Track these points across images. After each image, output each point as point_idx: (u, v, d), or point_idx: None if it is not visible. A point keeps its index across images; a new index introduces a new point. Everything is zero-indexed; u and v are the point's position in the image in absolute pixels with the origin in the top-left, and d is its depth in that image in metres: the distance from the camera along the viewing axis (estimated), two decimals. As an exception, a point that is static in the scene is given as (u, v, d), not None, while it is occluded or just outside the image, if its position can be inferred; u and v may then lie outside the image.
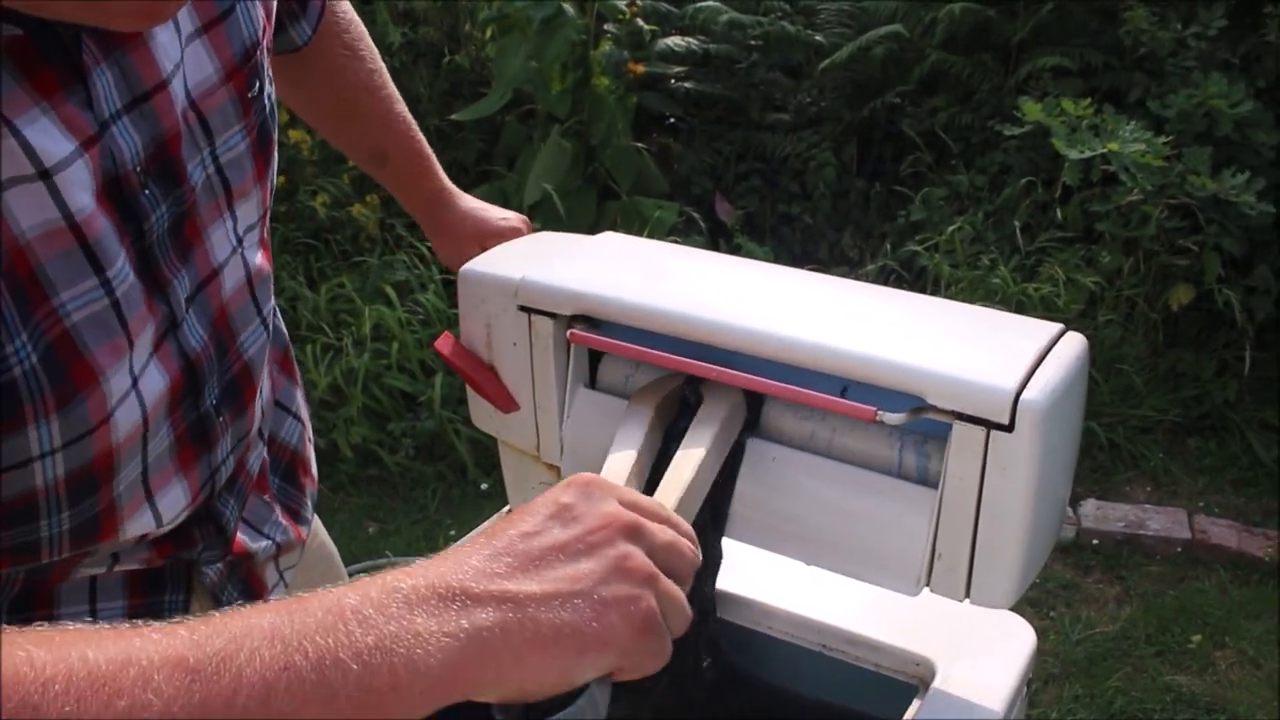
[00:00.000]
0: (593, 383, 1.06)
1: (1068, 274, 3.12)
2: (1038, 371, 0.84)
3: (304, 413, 1.12)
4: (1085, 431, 3.07)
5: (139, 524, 0.80)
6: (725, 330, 0.91)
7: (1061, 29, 3.65)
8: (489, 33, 3.76)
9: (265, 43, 0.85)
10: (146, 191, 0.73)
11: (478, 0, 3.76)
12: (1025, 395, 0.81)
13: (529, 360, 1.06)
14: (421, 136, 1.30)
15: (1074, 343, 0.90)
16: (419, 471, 3.07)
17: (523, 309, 1.04)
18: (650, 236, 3.20)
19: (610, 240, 1.11)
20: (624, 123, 3.46)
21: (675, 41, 3.75)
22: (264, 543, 0.99)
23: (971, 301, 3.10)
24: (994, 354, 0.85)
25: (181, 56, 0.75)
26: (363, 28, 1.23)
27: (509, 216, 1.32)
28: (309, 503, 1.11)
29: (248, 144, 0.83)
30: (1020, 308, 3.10)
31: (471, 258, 1.09)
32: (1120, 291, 3.16)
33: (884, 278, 3.37)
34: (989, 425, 0.81)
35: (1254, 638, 2.57)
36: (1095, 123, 3.07)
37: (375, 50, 1.24)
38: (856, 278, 3.34)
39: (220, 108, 0.79)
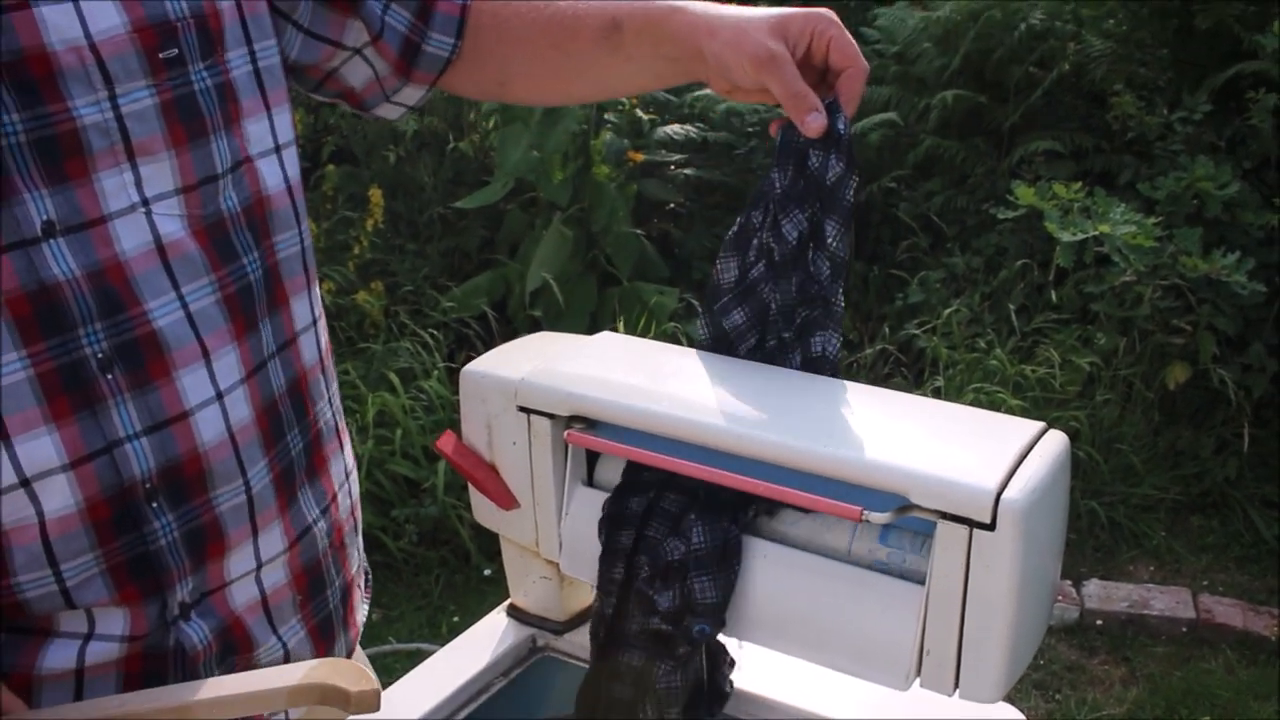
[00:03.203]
0: (590, 481, 1.09)
1: (1064, 355, 3.15)
2: (1019, 471, 0.86)
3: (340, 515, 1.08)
4: (1086, 511, 3.09)
5: None
6: (717, 433, 0.95)
7: (1052, 114, 3.73)
8: (491, 123, 3.84)
9: (208, 25, 0.89)
10: None
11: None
12: (1006, 495, 0.84)
13: (528, 459, 1.09)
14: None
15: (1055, 441, 0.93)
16: (422, 557, 3.08)
17: (522, 409, 1.07)
18: (651, 321, 3.24)
19: (607, 341, 1.14)
20: (624, 210, 3.52)
21: (674, 129, 3.83)
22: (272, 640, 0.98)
23: (970, 383, 3.14)
24: (976, 454, 0.88)
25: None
26: None
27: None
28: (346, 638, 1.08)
29: (156, 103, 0.86)
30: (1018, 389, 3.13)
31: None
32: (1117, 371, 3.19)
33: (883, 361, 3.40)
34: (971, 524, 0.84)
35: None
36: (1087, 205, 3.13)
37: None
38: (856, 361, 3.39)
39: (121, 56, 0.83)
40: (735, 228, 1.07)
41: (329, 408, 1.04)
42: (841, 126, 0.99)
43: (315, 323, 1.02)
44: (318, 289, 1.04)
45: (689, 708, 1.03)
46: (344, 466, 1.06)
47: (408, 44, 1.06)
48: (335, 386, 1.07)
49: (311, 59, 1.04)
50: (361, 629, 1.11)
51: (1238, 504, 3.20)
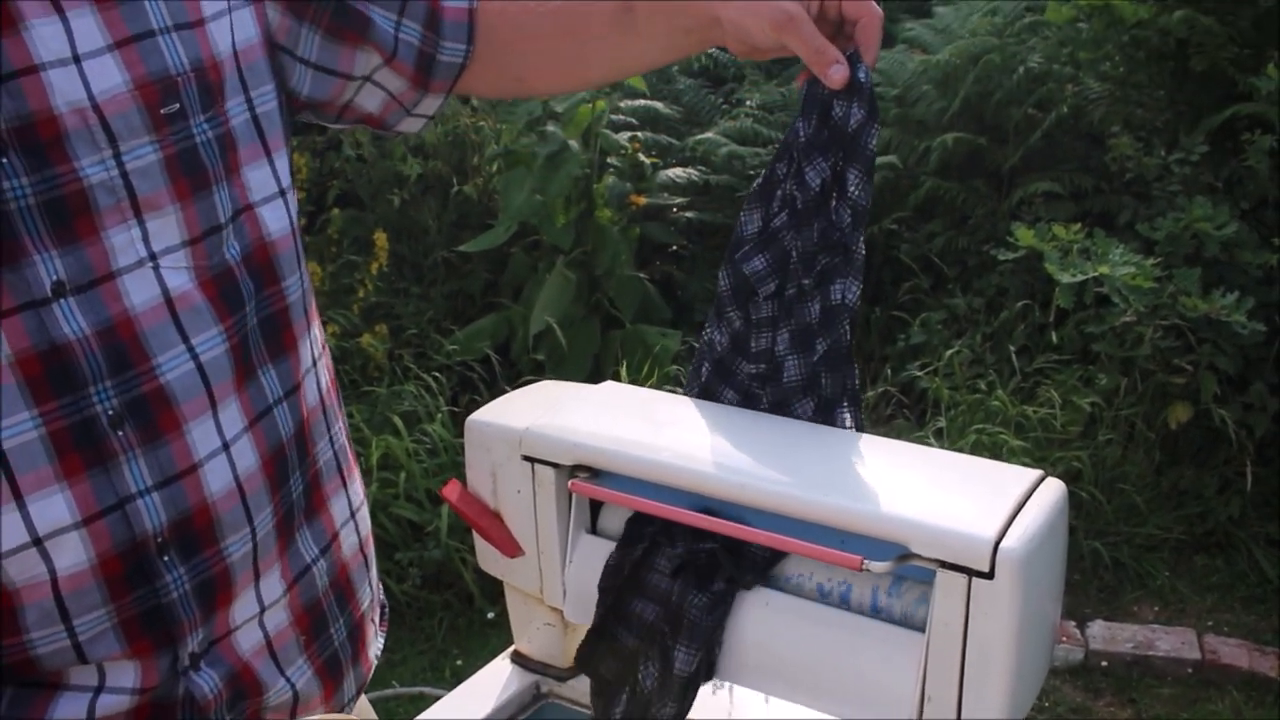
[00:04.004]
0: (594, 529, 1.10)
1: (1065, 396, 3.16)
2: (1016, 519, 0.88)
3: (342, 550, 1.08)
4: (1090, 551, 3.09)
5: (9, 536, 0.81)
6: (718, 483, 0.96)
7: (1051, 155, 3.76)
8: (495, 167, 3.88)
9: (208, 77, 0.90)
10: (4, 160, 0.79)
11: (485, 135, 3.89)
12: (1004, 544, 0.85)
13: (533, 507, 1.11)
14: None
15: (1052, 489, 0.94)
16: (426, 600, 3.08)
17: (526, 458, 1.09)
18: (654, 364, 3.26)
19: (611, 391, 1.16)
20: (627, 253, 3.55)
21: (676, 173, 3.86)
22: (280, 684, 0.98)
23: (972, 424, 3.15)
24: (974, 503, 0.90)
25: (75, 59, 0.82)
26: None
27: None
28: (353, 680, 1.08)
29: (160, 158, 0.87)
30: (1020, 430, 3.14)
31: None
32: (1119, 411, 3.20)
33: (885, 402, 3.41)
34: (970, 573, 0.85)
35: (1269, 762, 2.55)
36: (1086, 246, 3.15)
37: None
38: (857, 402, 3.40)
39: (124, 114, 0.85)
40: (760, 180, 1.09)
41: (330, 446, 1.04)
42: (863, 75, 1.01)
43: (316, 363, 1.03)
44: (318, 329, 1.05)
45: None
46: (348, 503, 1.07)
47: (422, 56, 1.06)
48: (340, 424, 1.07)
49: (324, 94, 1.05)
50: (376, 661, 1.12)
51: (1242, 543, 3.20)
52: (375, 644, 1.11)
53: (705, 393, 1.12)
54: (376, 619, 1.13)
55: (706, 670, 0.99)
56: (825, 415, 1.07)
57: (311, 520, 1.02)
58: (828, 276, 1.05)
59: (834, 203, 1.03)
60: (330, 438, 1.05)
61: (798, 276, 1.05)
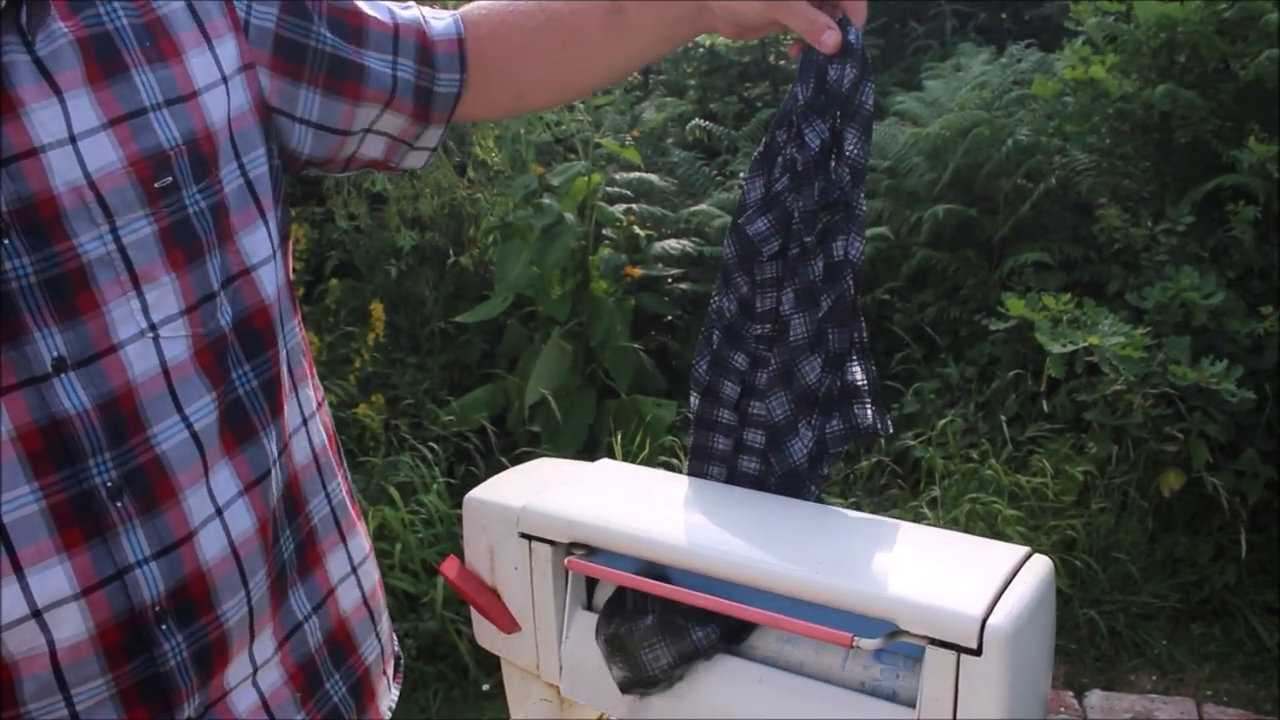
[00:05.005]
0: (590, 605, 1.12)
1: (1056, 465, 3.18)
2: (1003, 596, 0.89)
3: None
4: (1086, 620, 3.09)
5: (9, 608, 0.82)
6: (711, 560, 0.98)
7: (1040, 226, 3.80)
8: (491, 238, 3.92)
9: (201, 149, 0.92)
10: (6, 242, 0.82)
11: (481, 207, 3.94)
12: (992, 621, 0.87)
13: (529, 584, 1.12)
14: None
15: (1039, 566, 0.96)
16: (421, 672, 3.07)
17: (523, 536, 1.11)
18: (649, 435, 3.27)
19: (606, 469, 1.18)
20: (622, 324, 3.57)
21: (671, 244, 3.90)
22: None
23: (966, 493, 3.16)
24: (962, 580, 0.91)
25: (71, 139, 0.85)
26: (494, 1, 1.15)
27: None
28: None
29: (155, 230, 0.89)
30: (1013, 498, 3.15)
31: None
32: (1111, 479, 3.21)
33: (879, 472, 3.43)
34: (959, 649, 0.87)
35: (1270, 834, 2.53)
36: (1076, 316, 3.18)
37: None
38: (852, 473, 3.42)
39: (119, 190, 0.87)
40: (760, 148, 1.11)
41: (326, 503, 1.05)
42: (853, 38, 1.04)
43: (307, 422, 1.04)
44: (313, 389, 1.06)
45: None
46: (348, 558, 1.08)
47: (419, 90, 1.08)
48: (338, 479, 1.08)
49: (325, 151, 1.06)
50: (390, 714, 1.11)
51: (1239, 611, 3.19)
52: (387, 696, 1.12)
53: (716, 360, 1.14)
54: (389, 671, 1.13)
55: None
56: (834, 369, 1.09)
57: (305, 578, 1.03)
58: (829, 234, 1.07)
59: (833, 162, 1.06)
60: (326, 494, 1.06)
61: (800, 236, 1.07)
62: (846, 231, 1.07)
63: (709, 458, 1.15)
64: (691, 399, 1.15)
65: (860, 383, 1.10)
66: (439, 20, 1.10)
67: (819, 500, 1.10)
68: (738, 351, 1.13)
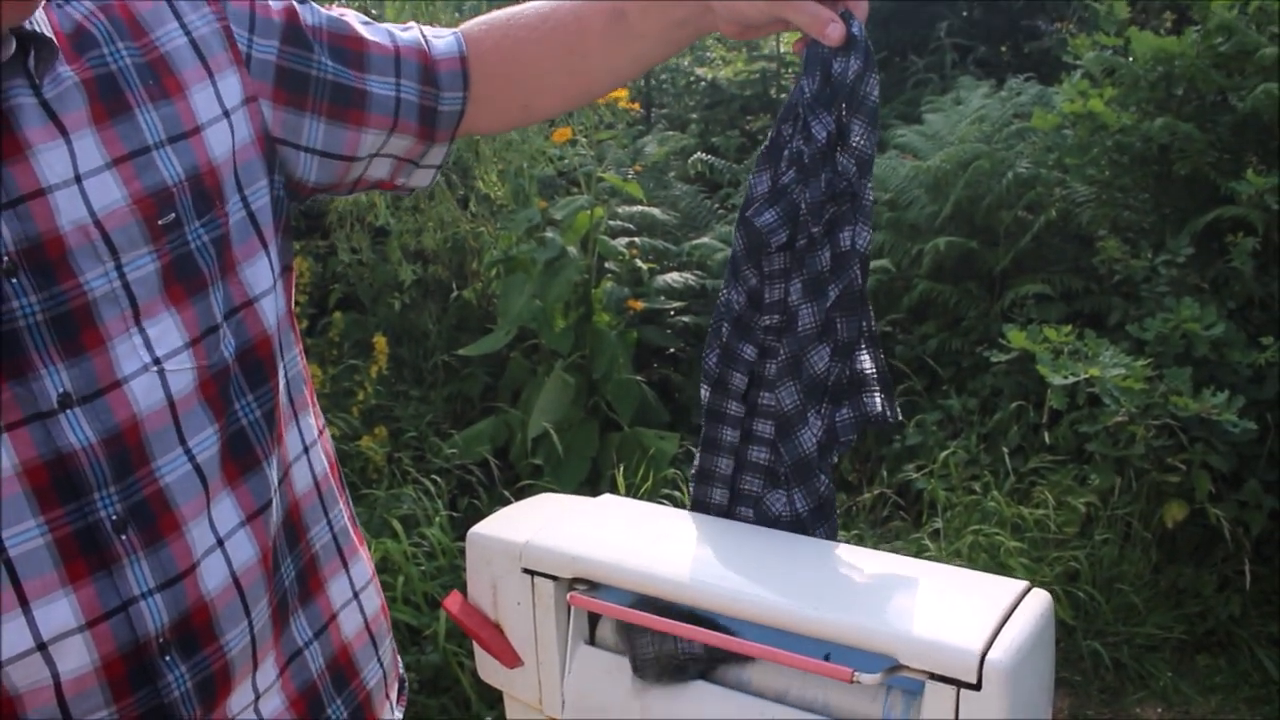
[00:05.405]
0: (592, 640, 1.12)
1: (1059, 496, 3.18)
2: (1003, 631, 0.90)
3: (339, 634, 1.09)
4: (1090, 652, 3.08)
5: (13, 642, 0.82)
6: (713, 595, 0.98)
7: (1041, 257, 3.82)
8: (494, 272, 3.94)
9: (204, 184, 0.93)
10: (14, 281, 0.83)
11: (484, 241, 3.96)
12: (991, 655, 0.87)
13: (532, 619, 1.13)
14: None
15: (1038, 600, 0.96)
16: (423, 705, 3.06)
17: (526, 571, 1.11)
18: (652, 467, 3.28)
19: (608, 504, 1.19)
20: (625, 357, 3.58)
21: (673, 278, 3.92)
22: None
23: (969, 525, 3.16)
24: (961, 615, 0.92)
25: (77, 179, 0.86)
26: (494, 14, 1.15)
27: None
28: None
29: (158, 267, 0.90)
30: (1016, 530, 3.15)
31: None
32: (1114, 510, 3.21)
33: (882, 504, 3.43)
34: (958, 684, 0.87)
35: None
36: (1077, 348, 3.19)
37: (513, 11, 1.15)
38: (855, 504, 3.42)
39: (124, 228, 0.88)
40: (766, 142, 1.12)
41: (328, 530, 1.06)
42: (856, 30, 1.05)
43: (308, 450, 1.04)
44: (310, 415, 1.06)
45: None
46: (350, 583, 1.08)
47: (423, 110, 1.08)
48: (340, 506, 1.09)
49: (331, 177, 1.06)
50: None
51: (1244, 643, 3.18)
52: (392, 718, 1.12)
53: (726, 352, 1.14)
54: (394, 695, 1.14)
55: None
56: (843, 358, 1.09)
57: (307, 604, 1.03)
58: (836, 225, 1.08)
59: (839, 154, 1.07)
60: (328, 521, 1.06)
61: (808, 227, 1.08)
62: (853, 222, 1.07)
63: (719, 449, 1.16)
64: (701, 391, 1.16)
65: (869, 371, 1.11)
66: (440, 39, 1.10)
67: (832, 487, 1.11)
68: (746, 343, 1.14)
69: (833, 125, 1.06)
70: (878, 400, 1.12)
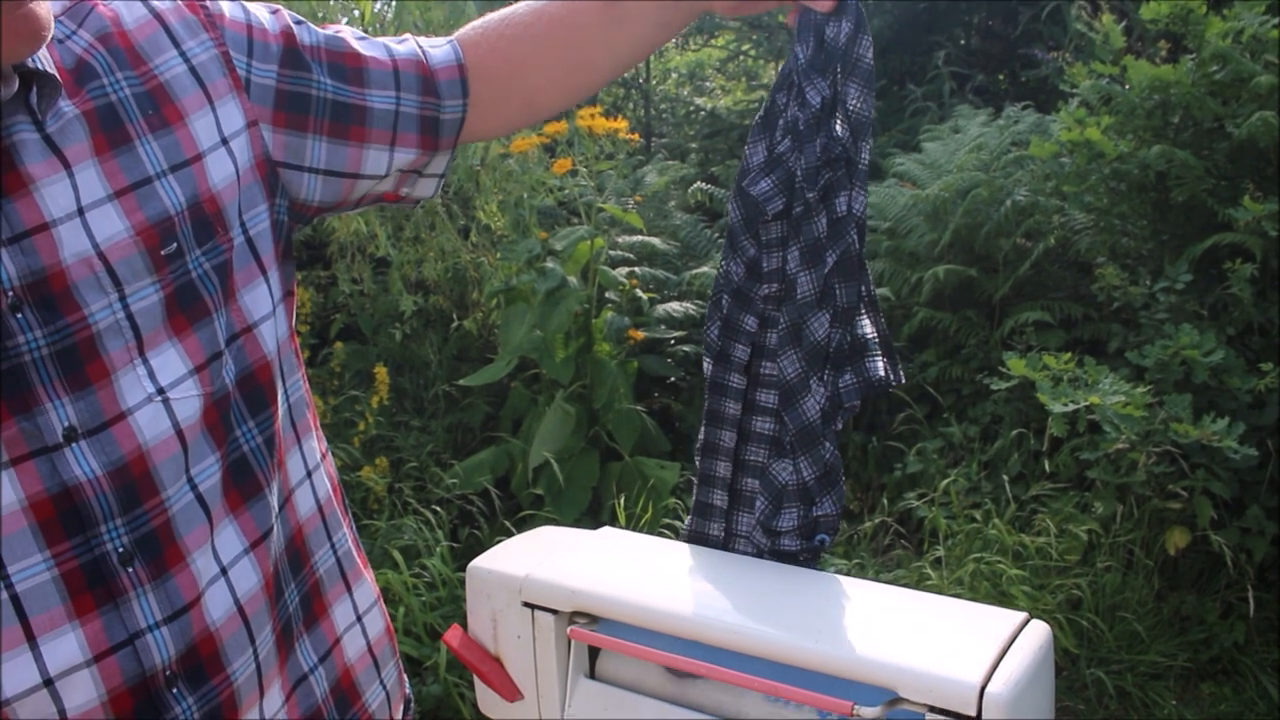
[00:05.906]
0: (592, 674, 1.12)
1: (1060, 523, 3.18)
2: (1002, 663, 0.90)
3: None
4: (1094, 680, 3.07)
5: (20, 678, 0.82)
6: (713, 629, 0.99)
7: (1040, 285, 3.83)
8: (495, 302, 3.95)
9: (204, 211, 0.93)
10: (19, 315, 0.83)
11: (485, 271, 3.97)
12: (990, 688, 0.87)
13: (532, 653, 1.13)
14: None
15: (1037, 632, 0.96)
16: (426, 738, 3.05)
17: (526, 605, 1.11)
18: (652, 497, 3.28)
19: (608, 537, 1.19)
20: (625, 386, 3.59)
21: (673, 307, 3.93)
22: None
23: (970, 552, 3.15)
24: (960, 647, 0.92)
25: (79, 211, 0.86)
26: (488, 17, 1.16)
27: None
28: None
29: (161, 297, 0.90)
30: (1018, 558, 3.15)
31: None
32: (1116, 538, 3.21)
33: (883, 532, 3.42)
34: (958, 717, 0.87)
35: None
36: (1077, 375, 3.20)
37: (505, 12, 1.15)
38: (856, 533, 3.41)
39: (127, 259, 0.88)
40: (761, 111, 1.12)
41: (331, 554, 1.06)
42: None
43: (311, 475, 1.04)
44: (313, 440, 1.06)
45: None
46: (354, 607, 1.08)
47: (425, 120, 1.08)
48: (344, 530, 1.09)
49: (335, 196, 1.06)
50: None
51: (1248, 670, 3.17)
52: None
53: (727, 324, 1.15)
54: (398, 716, 1.14)
55: None
56: (843, 324, 1.09)
57: (312, 629, 1.03)
58: (832, 190, 1.08)
59: (835, 119, 1.07)
60: (332, 545, 1.06)
61: (803, 194, 1.08)
62: (849, 187, 1.08)
63: (722, 422, 1.16)
64: (705, 364, 1.17)
65: (870, 336, 1.11)
66: (436, 49, 1.11)
67: (837, 454, 1.12)
68: (747, 313, 1.14)
69: (828, 90, 1.06)
70: (880, 364, 1.12)
